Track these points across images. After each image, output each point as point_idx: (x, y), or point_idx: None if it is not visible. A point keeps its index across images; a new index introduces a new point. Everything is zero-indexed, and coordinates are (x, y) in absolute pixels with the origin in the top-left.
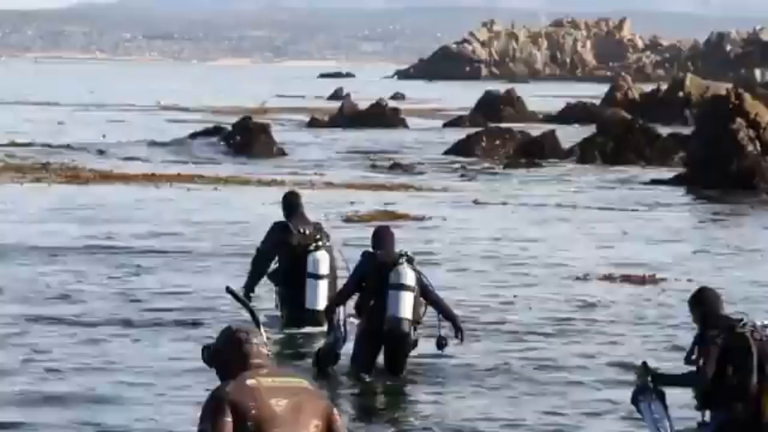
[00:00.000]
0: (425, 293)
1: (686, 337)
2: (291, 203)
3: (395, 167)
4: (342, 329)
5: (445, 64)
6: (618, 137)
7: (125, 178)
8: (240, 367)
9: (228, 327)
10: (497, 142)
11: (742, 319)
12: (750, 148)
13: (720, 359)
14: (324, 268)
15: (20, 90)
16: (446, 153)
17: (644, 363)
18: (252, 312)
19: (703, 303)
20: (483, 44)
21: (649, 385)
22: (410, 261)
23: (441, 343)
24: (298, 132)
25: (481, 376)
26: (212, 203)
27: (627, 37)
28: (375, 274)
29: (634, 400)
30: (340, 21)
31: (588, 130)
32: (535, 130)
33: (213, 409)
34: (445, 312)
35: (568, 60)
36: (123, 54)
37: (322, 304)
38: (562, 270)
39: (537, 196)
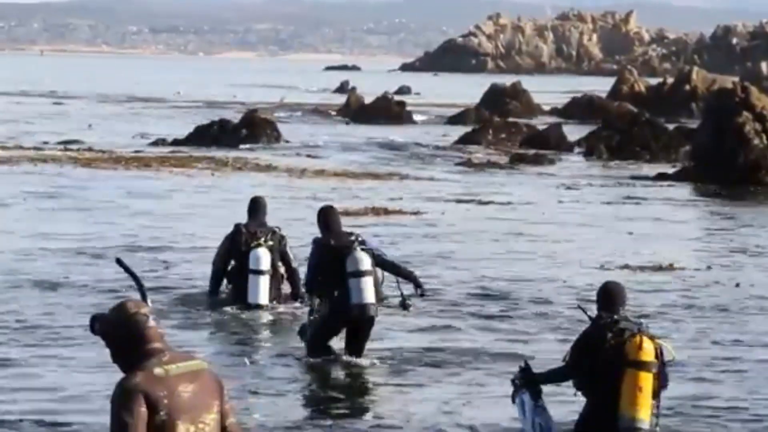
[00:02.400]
0: (382, 264)
1: (715, 324)
2: (251, 207)
3: (402, 160)
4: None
5: (450, 58)
6: (624, 131)
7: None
8: (138, 351)
9: (124, 305)
10: (503, 135)
11: (614, 318)
12: (756, 141)
13: (580, 352)
14: (264, 264)
15: (39, 82)
16: (452, 146)
17: (525, 362)
18: (141, 285)
19: (600, 298)
20: (489, 37)
21: (520, 383)
22: (362, 243)
23: (405, 305)
24: (304, 125)
25: (495, 363)
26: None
27: (633, 31)
28: (331, 261)
29: (513, 399)
30: (345, 14)
31: (592, 126)
32: (541, 123)
33: (126, 400)
34: (403, 274)
35: (574, 53)
36: (129, 47)
37: (264, 298)
38: (575, 263)
39: (543, 190)
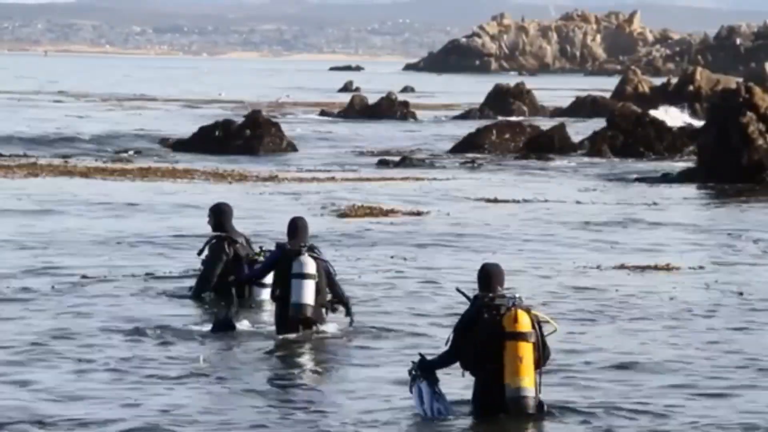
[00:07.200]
0: (328, 280)
1: (716, 322)
2: (223, 216)
3: (405, 161)
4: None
5: (454, 58)
6: (628, 131)
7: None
8: None
9: None
10: (507, 135)
11: (490, 296)
12: (760, 141)
13: (460, 333)
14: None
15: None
16: (456, 146)
17: (420, 354)
18: None
19: (479, 279)
20: (492, 38)
21: (416, 373)
22: (312, 250)
23: (330, 308)
24: (308, 125)
25: None
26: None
27: (637, 31)
28: (282, 264)
29: (410, 389)
30: (349, 14)
31: (595, 126)
32: (545, 123)
33: None
34: (337, 296)
35: (577, 53)
36: (132, 48)
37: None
38: (577, 263)
39: (545, 191)
